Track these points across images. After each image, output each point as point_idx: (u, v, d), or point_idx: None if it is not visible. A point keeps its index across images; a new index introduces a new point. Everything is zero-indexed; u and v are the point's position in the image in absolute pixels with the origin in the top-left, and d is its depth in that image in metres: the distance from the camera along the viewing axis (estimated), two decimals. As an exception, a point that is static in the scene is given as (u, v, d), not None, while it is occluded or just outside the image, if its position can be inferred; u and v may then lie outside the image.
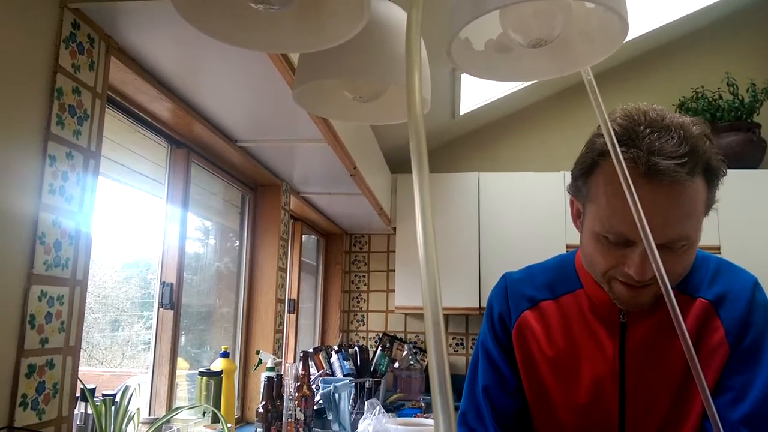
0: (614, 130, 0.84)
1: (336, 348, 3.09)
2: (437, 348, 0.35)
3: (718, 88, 3.62)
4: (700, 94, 3.63)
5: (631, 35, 0.59)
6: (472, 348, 3.78)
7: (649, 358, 0.98)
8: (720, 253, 3.16)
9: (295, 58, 1.36)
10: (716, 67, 3.73)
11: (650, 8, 3.34)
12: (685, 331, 0.58)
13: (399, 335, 3.85)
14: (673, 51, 3.89)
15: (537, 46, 0.60)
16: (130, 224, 1.92)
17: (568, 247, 3.22)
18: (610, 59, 3.68)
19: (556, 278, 1.09)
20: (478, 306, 3.38)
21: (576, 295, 1.05)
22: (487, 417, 1.09)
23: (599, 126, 0.94)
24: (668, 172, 0.82)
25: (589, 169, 0.93)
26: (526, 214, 3.45)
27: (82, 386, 1.21)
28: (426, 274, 0.37)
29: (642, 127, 0.85)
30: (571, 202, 1.02)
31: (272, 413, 1.82)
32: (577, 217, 1.01)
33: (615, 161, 0.62)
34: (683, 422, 0.97)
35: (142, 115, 1.70)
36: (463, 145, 3.99)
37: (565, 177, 3.43)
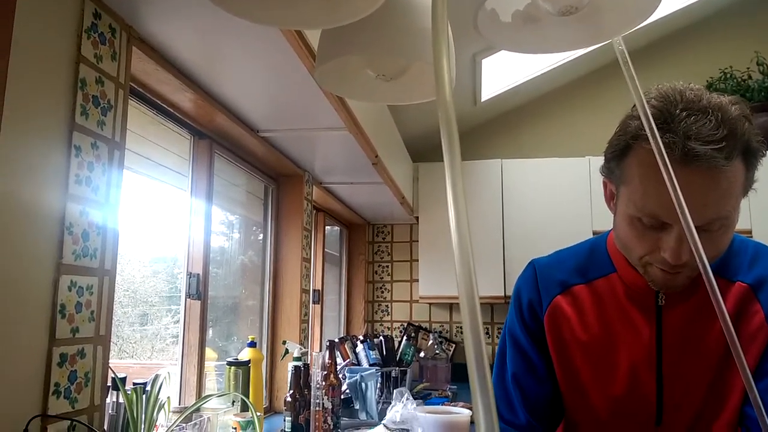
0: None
1: (361, 338, 3.09)
2: (473, 326, 0.33)
3: (747, 68, 3.52)
4: (728, 75, 3.53)
5: (655, 15, 0.56)
6: (497, 337, 3.75)
7: (687, 342, 0.96)
8: (752, 236, 3.08)
9: (314, 43, 1.35)
10: (745, 46, 3.62)
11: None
12: (726, 313, 0.55)
13: (423, 325, 3.84)
14: (700, 31, 3.78)
15: (566, 14, 0.58)
16: (157, 219, 1.93)
17: (594, 233, 3.16)
18: (634, 40, 3.60)
19: (587, 262, 1.07)
20: (503, 294, 3.35)
21: (609, 279, 1.03)
22: (518, 405, 1.07)
23: (633, 107, 0.91)
24: (705, 157, 0.79)
25: (622, 152, 0.90)
26: (551, 201, 3.40)
27: (113, 375, 1.22)
28: (459, 252, 0.35)
29: (678, 110, 0.82)
30: (604, 184, 0.99)
31: (300, 402, 1.82)
32: (611, 199, 0.98)
33: (652, 143, 0.59)
34: (722, 407, 0.94)
35: (165, 106, 1.70)
36: (486, 132, 3.94)
37: (590, 162, 3.37)
